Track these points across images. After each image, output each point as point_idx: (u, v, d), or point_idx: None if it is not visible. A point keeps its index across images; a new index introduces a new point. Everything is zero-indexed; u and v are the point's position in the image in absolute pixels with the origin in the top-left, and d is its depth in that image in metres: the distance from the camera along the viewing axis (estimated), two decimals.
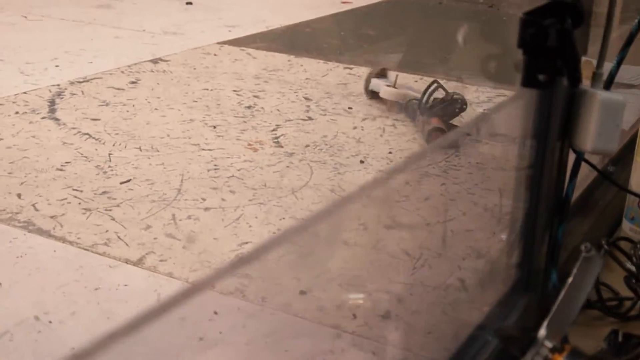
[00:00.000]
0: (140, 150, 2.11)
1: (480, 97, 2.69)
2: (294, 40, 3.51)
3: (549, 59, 0.93)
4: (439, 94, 2.34)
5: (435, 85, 2.35)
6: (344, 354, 1.28)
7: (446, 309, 1.44)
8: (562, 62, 0.93)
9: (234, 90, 2.67)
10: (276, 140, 2.23)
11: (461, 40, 2.87)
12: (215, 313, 1.40)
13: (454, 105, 2.29)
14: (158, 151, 2.11)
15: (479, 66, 3.03)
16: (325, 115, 2.44)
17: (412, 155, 2.13)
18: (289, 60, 3.09)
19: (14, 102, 2.48)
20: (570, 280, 0.92)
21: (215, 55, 3.14)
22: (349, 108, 2.51)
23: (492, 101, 2.65)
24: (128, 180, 1.93)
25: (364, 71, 2.94)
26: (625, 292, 1.23)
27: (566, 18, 0.93)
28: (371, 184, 0.93)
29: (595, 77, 1.04)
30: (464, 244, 1.74)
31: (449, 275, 1.56)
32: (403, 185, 1.99)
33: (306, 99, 2.60)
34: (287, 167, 2.05)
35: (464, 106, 2.30)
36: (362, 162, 2.11)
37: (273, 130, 2.30)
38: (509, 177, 1.68)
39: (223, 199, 1.85)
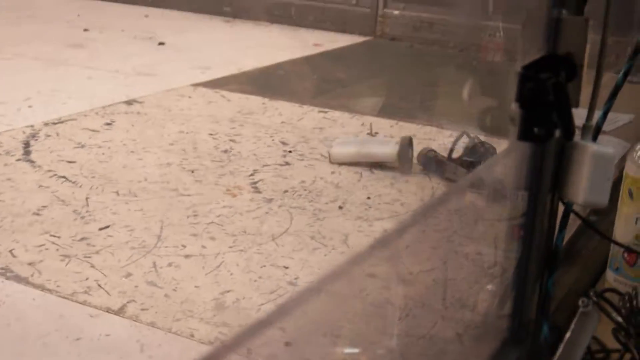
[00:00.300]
0: (118, 195, 2.10)
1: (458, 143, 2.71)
2: (267, 82, 3.52)
3: (546, 112, 0.94)
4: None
5: (464, 135, 2.38)
6: None
7: None
8: (556, 115, 0.94)
9: (210, 134, 2.66)
10: (254, 185, 2.22)
11: (466, 95, 2.88)
12: None
13: (485, 155, 2.28)
14: (136, 196, 2.09)
15: (456, 112, 3.05)
16: (302, 160, 2.45)
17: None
18: (263, 103, 3.09)
19: None
20: (568, 335, 0.92)
21: (189, 97, 3.14)
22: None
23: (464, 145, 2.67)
24: (107, 227, 1.91)
25: (338, 115, 2.96)
26: (612, 344, 1.23)
27: (560, 71, 0.94)
28: (383, 241, 0.92)
29: (586, 129, 1.05)
30: (448, 293, 1.74)
31: (432, 326, 1.56)
32: (382, 233, 1.99)
33: (283, 143, 2.61)
34: (267, 213, 2.05)
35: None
36: (340, 207, 2.11)
37: (251, 175, 2.30)
38: (496, 227, 1.69)
39: (203, 246, 1.84)
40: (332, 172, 2.35)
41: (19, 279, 1.64)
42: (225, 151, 2.49)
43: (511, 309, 1.15)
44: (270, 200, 2.12)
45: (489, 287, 1.54)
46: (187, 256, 1.79)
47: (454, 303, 1.68)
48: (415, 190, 2.26)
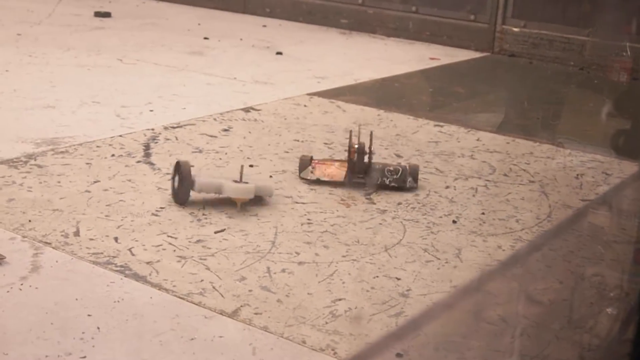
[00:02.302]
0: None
1: (574, 161, 2.65)
2: (383, 94, 3.52)
3: None
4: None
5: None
6: None
7: None
8: None
9: (325, 143, 2.68)
10: (368, 196, 2.22)
11: (604, 115, 2.81)
12: None
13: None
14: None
15: (577, 131, 2.99)
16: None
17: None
18: (378, 115, 3.09)
19: (110, 145, 2.53)
20: None
21: (305, 106, 3.16)
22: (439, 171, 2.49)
23: (585, 165, 2.61)
24: (222, 230, 1.93)
25: (454, 130, 2.93)
26: None
27: None
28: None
29: None
30: (561, 313, 1.70)
31: (546, 346, 1.52)
32: (495, 249, 1.96)
33: (397, 155, 2.60)
34: (380, 224, 2.04)
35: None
36: (454, 222, 2.08)
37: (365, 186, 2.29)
38: (619, 250, 1.63)
39: (317, 254, 1.84)
40: (447, 187, 2.33)
41: (137, 277, 1.68)
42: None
43: (634, 333, 1.11)
44: (383, 212, 2.11)
45: (610, 310, 1.49)
46: (300, 263, 1.79)
47: (570, 324, 1.64)
48: (531, 208, 2.21)
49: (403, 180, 2.26)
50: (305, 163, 2.32)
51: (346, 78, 3.73)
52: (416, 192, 2.26)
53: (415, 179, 2.28)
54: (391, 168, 2.27)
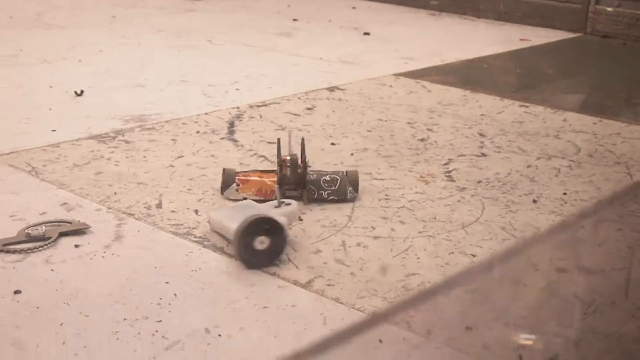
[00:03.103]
0: None
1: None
2: (469, 75, 3.49)
3: None
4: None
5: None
6: None
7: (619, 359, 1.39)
8: None
9: (408, 123, 2.68)
10: (448, 174, 2.22)
11: None
12: (380, 341, 1.40)
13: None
14: None
15: None
16: (499, 152, 2.41)
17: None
18: (464, 95, 3.07)
19: (195, 122, 2.58)
20: None
21: (390, 86, 3.17)
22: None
23: None
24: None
25: (540, 110, 2.89)
26: None
27: None
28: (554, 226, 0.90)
29: None
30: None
31: (622, 324, 1.50)
32: (577, 228, 1.93)
33: (480, 134, 2.58)
34: (458, 201, 2.03)
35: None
36: (534, 201, 2.06)
37: (445, 164, 2.29)
38: None
39: (393, 229, 1.85)
40: (528, 166, 2.31)
41: (215, 248, 1.72)
42: (422, 140, 2.50)
43: None
44: (462, 189, 2.11)
45: None
46: (375, 237, 1.81)
47: None
48: (615, 189, 2.18)
49: (343, 193, 1.98)
50: (229, 179, 2.00)
51: (434, 59, 3.72)
52: (497, 171, 2.25)
53: (356, 188, 2.00)
54: (328, 178, 1.99)
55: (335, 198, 1.99)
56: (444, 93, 3.10)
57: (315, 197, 1.99)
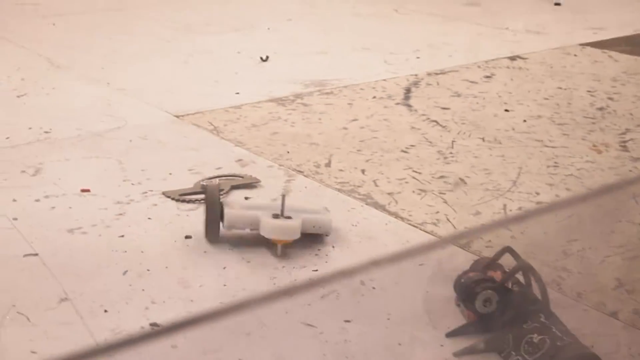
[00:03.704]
0: (483, 141, 2.15)
1: None
2: None
3: None
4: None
5: None
6: None
7: None
8: None
9: (588, 91, 2.62)
10: (623, 144, 2.16)
11: None
12: None
13: None
14: (500, 143, 2.14)
15: None
16: None
17: None
18: None
19: (373, 88, 2.63)
20: None
21: (575, 55, 3.10)
22: None
23: None
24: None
25: None
26: None
27: None
28: None
29: None
30: None
31: None
32: None
33: None
34: (630, 171, 1.98)
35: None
36: None
37: (622, 134, 2.23)
38: None
39: (557, 195, 1.84)
40: None
41: (377, 205, 1.77)
42: (600, 109, 2.44)
43: None
44: (636, 160, 2.05)
45: None
46: (538, 203, 1.80)
47: None
48: None
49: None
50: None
51: (625, 29, 3.59)
52: None
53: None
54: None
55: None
56: (631, 63, 3.00)
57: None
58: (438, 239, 1.64)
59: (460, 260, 1.53)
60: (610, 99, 2.53)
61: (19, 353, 1.22)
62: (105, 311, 1.32)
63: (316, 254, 1.55)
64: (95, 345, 1.21)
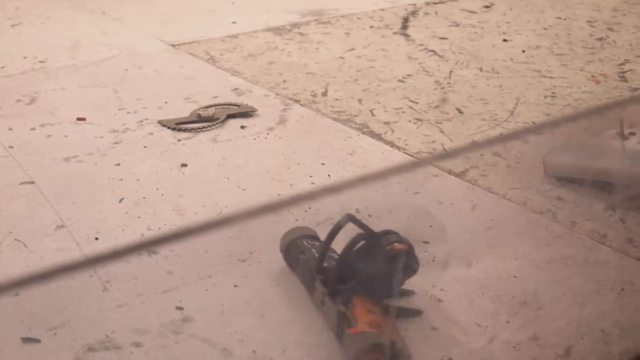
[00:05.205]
0: (481, 71, 2.14)
1: None
2: None
3: None
4: None
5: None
6: None
7: None
8: None
9: (588, 21, 2.59)
10: (622, 74, 2.15)
11: None
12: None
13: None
14: (498, 73, 2.12)
15: None
16: None
17: None
18: None
19: (370, 17, 2.61)
20: None
21: None
22: None
23: None
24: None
25: None
26: None
27: None
28: None
29: None
30: None
31: None
32: None
33: None
34: (629, 99, 1.98)
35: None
36: None
37: (621, 64, 2.22)
38: None
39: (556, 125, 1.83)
40: None
41: (373, 134, 1.76)
42: (600, 39, 2.42)
43: None
44: (635, 90, 2.04)
45: None
46: (539, 133, 1.80)
47: None
48: None
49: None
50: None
51: None
52: None
53: None
54: None
55: None
56: None
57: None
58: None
59: (456, 190, 1.54)
60: (610, 29, 2.51)
61: None
62: (97, 239, 1.33)
63: (312, 182, 1.55)
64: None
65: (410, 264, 1.12)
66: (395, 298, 1.15)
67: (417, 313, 1.15)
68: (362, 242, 1.14)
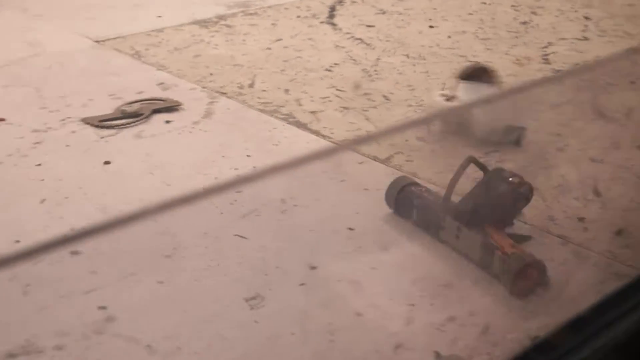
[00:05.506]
0: (408, 58, 2.15)
1: None
2: None
3: None
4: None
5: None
6: (567, 264, 1.27)
7: None
8: None
9: (512, 6, 2.62)
10: (545, 57, 2.18)
11: None
12: None
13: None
14: (424, 59, 2.14)
15: None
16: (603, 36, 2.34)
17: None
18: None
19: (297, 7, 2.60)
20: None
21: None
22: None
23: None
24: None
25: None
26: None
27: None
28: None
29: None
30: None
31: None
32: None
33: (586, 18, 2.51)
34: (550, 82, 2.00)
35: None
36: (633, 82, 2.01)
37: (544, 47, 2.25)
38: None
39: None
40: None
41: (299, 124, 1.76)
42: (524, 23, 2.45)
43: None
44: (557, 72, 2.07)
45: None
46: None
47: None
48: None
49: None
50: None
51: None
52: (597, 54, 2.19)
53: None
54: None
55: None
56: None
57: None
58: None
59: (381, 177, 1.54)
60: (533, 13, 2.54)
61: None
62: (18, 242, 1.30)
63: (238, 174, 1.54)
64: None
65: (527, 193, 1.30)
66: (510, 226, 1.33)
67: (528, 238, 1.33)
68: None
